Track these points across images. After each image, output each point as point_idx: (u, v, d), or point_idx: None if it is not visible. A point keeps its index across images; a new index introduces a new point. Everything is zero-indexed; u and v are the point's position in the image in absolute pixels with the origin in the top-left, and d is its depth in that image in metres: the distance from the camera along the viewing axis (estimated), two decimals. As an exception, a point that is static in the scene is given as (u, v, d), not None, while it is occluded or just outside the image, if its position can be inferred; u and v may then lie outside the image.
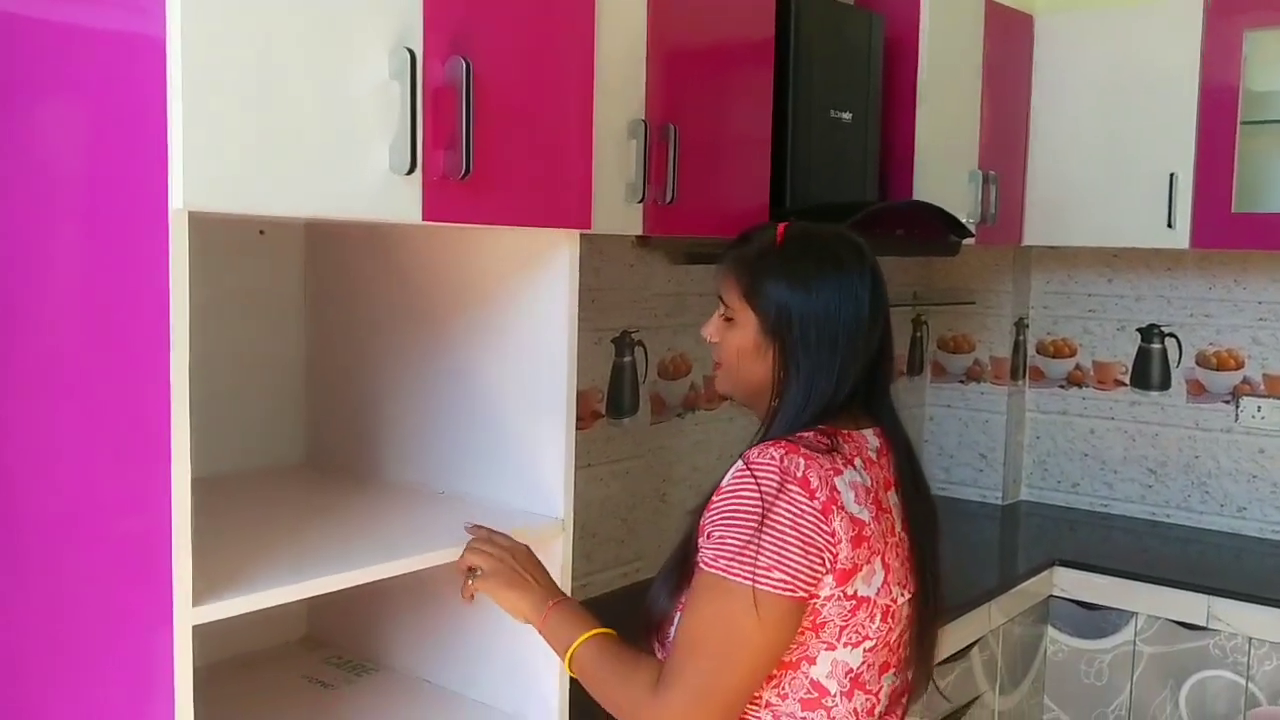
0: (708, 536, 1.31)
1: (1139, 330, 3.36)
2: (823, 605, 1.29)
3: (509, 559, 1.50)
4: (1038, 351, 3.55)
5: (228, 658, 1.88)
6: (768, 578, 1.26)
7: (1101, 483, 3.45)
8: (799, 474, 1.29)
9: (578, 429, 1.68)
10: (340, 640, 1.97)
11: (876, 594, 1.33)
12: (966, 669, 2.62)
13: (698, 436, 2.77)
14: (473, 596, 1.50)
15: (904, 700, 1.45)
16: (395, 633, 1.88)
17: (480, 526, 1.54)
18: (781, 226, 1.46)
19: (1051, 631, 2.97)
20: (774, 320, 1.40)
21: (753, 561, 1.26)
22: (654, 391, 2.63)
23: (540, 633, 1.47)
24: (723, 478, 1.35)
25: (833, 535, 1.28)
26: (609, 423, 2.53)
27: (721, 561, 1.28)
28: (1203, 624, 2.74)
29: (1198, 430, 3.28)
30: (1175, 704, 2.80)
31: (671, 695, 1.28)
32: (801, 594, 1.27)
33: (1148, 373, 3.35)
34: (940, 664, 2.45)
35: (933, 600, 1.44)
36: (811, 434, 1.34)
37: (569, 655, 1.42)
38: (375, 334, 1.89)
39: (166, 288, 1.16)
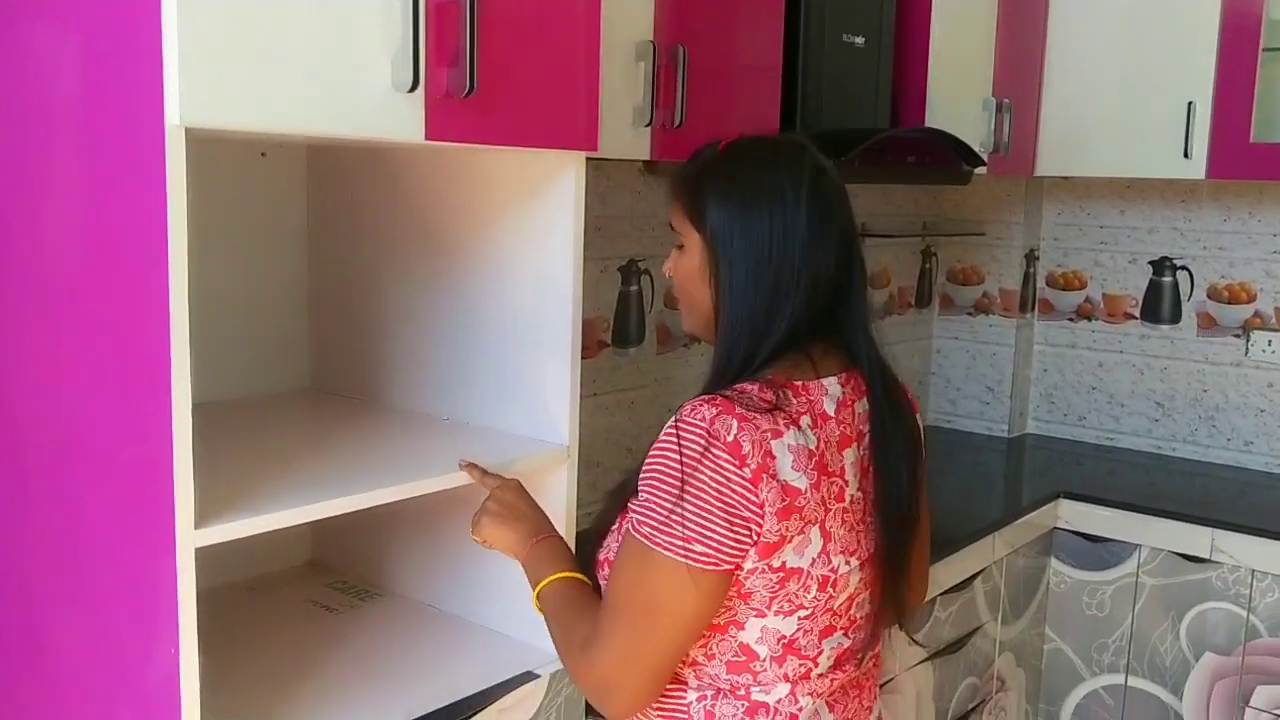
0: (637, 493, 1.24)
1: (1150, 263, 3.32)
2: (746, 577, 1.22)
3: (499, 495, 1.49)
4: (1047, 284, 3.52)
5: (233, 581, 1.88)
6: (689, 551, 1.18)
7: (1108, 416, 3.44)
8: (728, 438, 1.19)
9: (582, 358, 1.66)
10: (345, 565, 1.98)
11: (811, 565, 1.24)
12: (969, 599, 2.63)
13: (703, 367, 2.71)
14: (487, 543, 1.50)
15: (858, 656, 1.36)
16: (400, 559, 1.88)
17: (473, 465, 1.52)
18: (725, 140, 1.35)
19: (1054, 563, 2.97)
20: (712, 239, 1.29)
21: (675, 533, 1.19)
22: (660, 321, 2.61)
23: (528, 579, 1.45)
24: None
25: (760, 507, 1.19)
26: (614, 352, 2.52)
27: (645, 529, 1.21)
28: (1206, 556, 2.74)
29: (1207, 364, 3.26)
30: (1176, 635, 2.81)
31: (595, 657, 1.25)
32: (727, 566, 1.20)
33: (1158, 306, 3.32)
34: (944, 593, 2.47)
35: (899, 556, 1.34)
36: (756, 387, 1.24)
37: (536, 595, 1.40)
38: (379, 258, 1.87)
39: (164, 207, 1.14)
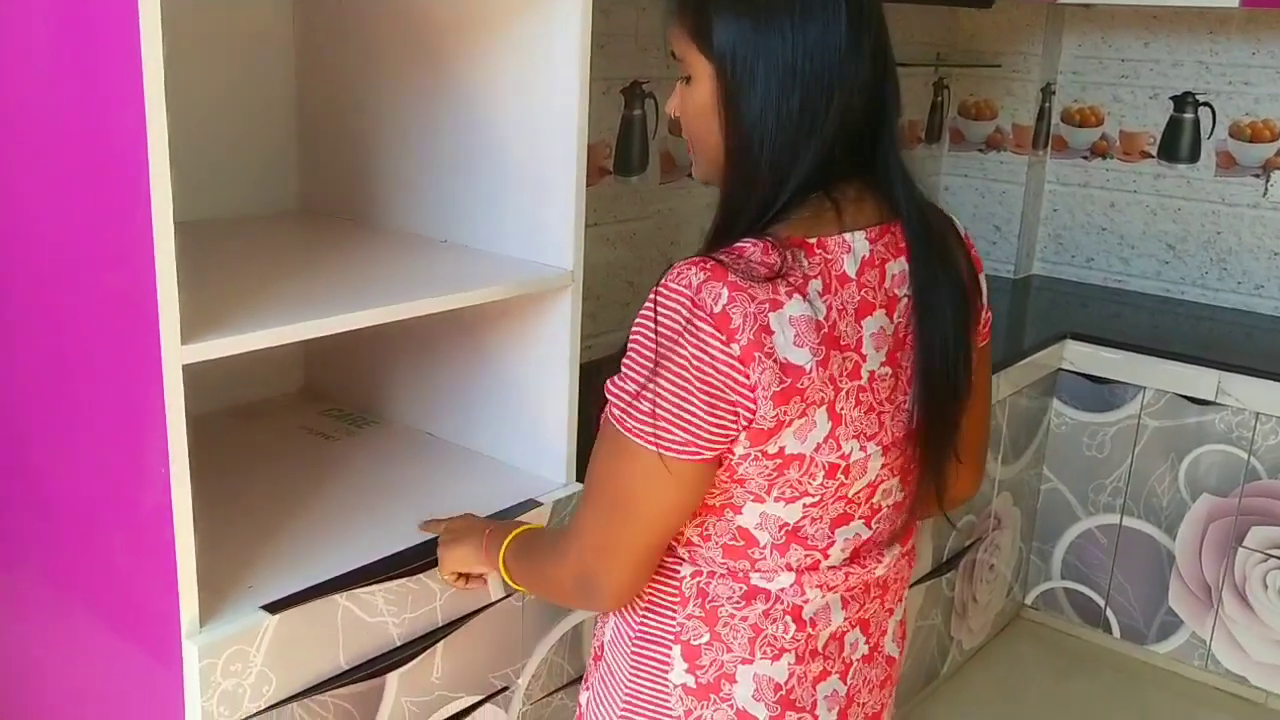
0: (620, 364, 1.09)
1: (1172, 98, 3.19)
2: (739, 463, 1.07)
3: (448, 525, 1.43)
4: (1063, 120, 3.39)
5: (224, 408, 1.84)
6: (659, 438, 1.03)
7: (1117, 258, 3.37)
8: (716, 308, 1.00)
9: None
10: (340, 393, 1.93)
11: (815, 450, 1.07)
12: (971, 438, 2.60)
13: (709, 198, 2.61)
14: (458, 578, 1.42)
15: (883, 550, 1.20)
16: (397, 386, 1.83)
17: (432, 520, 1.47)
18: None
19: (1057, 404, 2.95)
20: (720, 61, 1.08)
21: (643, 417, 1.04)
22: (664, 148, 2.51)
23: (490, 567, 1.34)
24: None
25: (751, 390, 1.02)
26: (616, 180, 2.42)
27: (617, 410, 1.07)
28: (1211, 399, 2.71)
29: (1223, 205, 3.17)
30: (1174, 477, 2.81)
31: (570, 549, 1.14)
32: (707, 455, 1.05)
33: (1176, 144, 3.21)
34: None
35: (942, 436, 1.16)
36: (760, 247, 1.04)
37: (503, 570, 1.30)
38: (372, 69, 1.75)
39: (136, 7, 1.04)
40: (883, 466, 1.13)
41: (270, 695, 1.27)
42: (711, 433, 1.03)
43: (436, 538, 1.43)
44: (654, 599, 1.17)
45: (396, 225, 1.77)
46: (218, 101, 1.76)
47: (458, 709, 1.51)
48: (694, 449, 1.04)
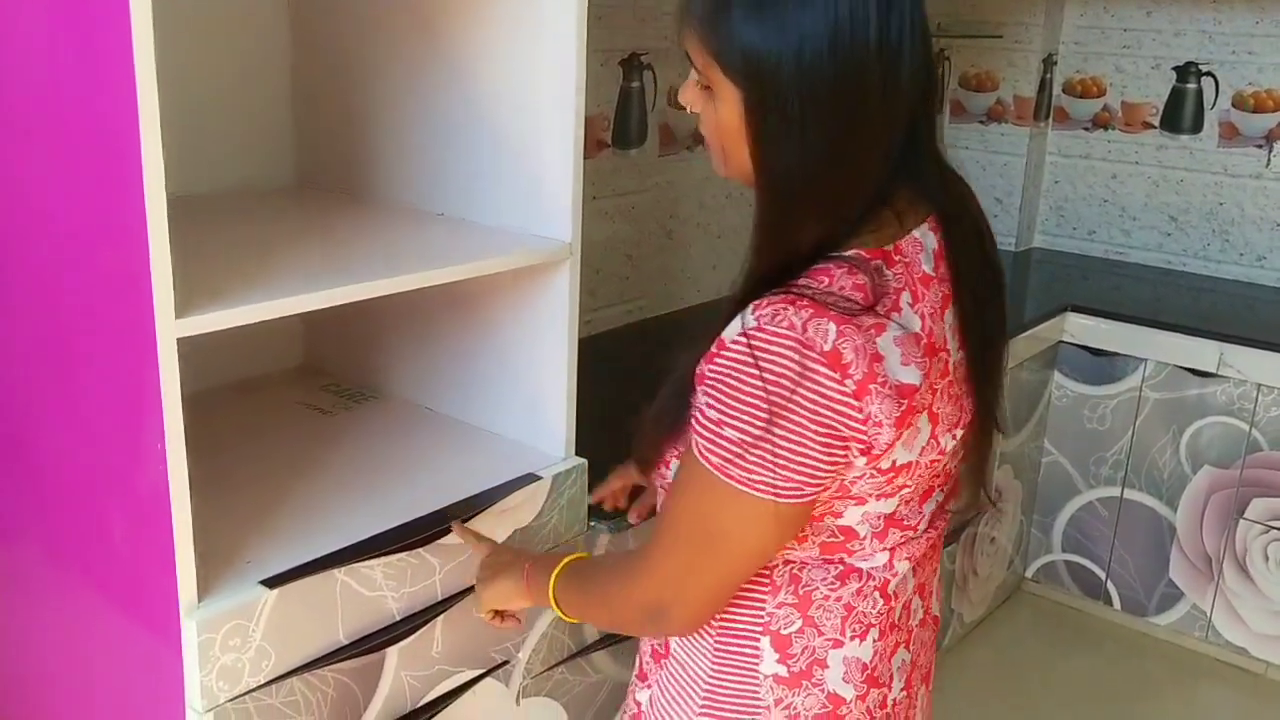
0: (702, 411, 1.00)
1: (1175, 69, 3.17)
2: (852, 482, 1.03)
3: (483, 561, 1.39)
4: (1064, 91, 3.37)
5: (222, 384, 1.83)
6: (774, 487, 0.98)
7: (1119, 230, 3.36)
8: (826, 346, 0.94)
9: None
10: (338, 368, 1.92)
11: (920, 454, 1.05)
12: (972, 411, 2.60)
13: (707, 171, 2.62)
14: (494, 615, 1.38)
15: (946, 507, 1.19)
16: (395, 360, 1.82)
17: (463, 528, 1.43)
18: None
19: (1058, 377, 2.94)
20: (748, 77, 0.97)
21: (753, 469, 0.98)
22: (663, 121, 2.49)
23: (533, 602, 1.30)
24: (725, 326, 1.00)
25: (864, 422, 0.97)
26: (615, 153, 2.40)
27: (715, 459, 0.99)
28: (1213, 370, 2.71)
29: (1225, 176, 3.15)
30: (1176, 449, 2.81)
31: (644, 579, 1.09)
32: (811, 494, 1.00)
33: (1179, 115, 3.19)
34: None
35: (993, 407, 1.15)
36: (845, 268, 0.98)
37: (554, 603, 1.24)
38: (367, 42, 1.73)
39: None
40: (957, 439, 1.12)
41: (269, 670, 1.27)
42: (825, 472, 0.99)
43: (447, 527, 1.43)
44: (739, 591, 1.13)
45: (393, 199, 1.76)
46: (212, 75, 1.74)
47: (458, 683, 1.51)
48: (807, 490, 1.00)
